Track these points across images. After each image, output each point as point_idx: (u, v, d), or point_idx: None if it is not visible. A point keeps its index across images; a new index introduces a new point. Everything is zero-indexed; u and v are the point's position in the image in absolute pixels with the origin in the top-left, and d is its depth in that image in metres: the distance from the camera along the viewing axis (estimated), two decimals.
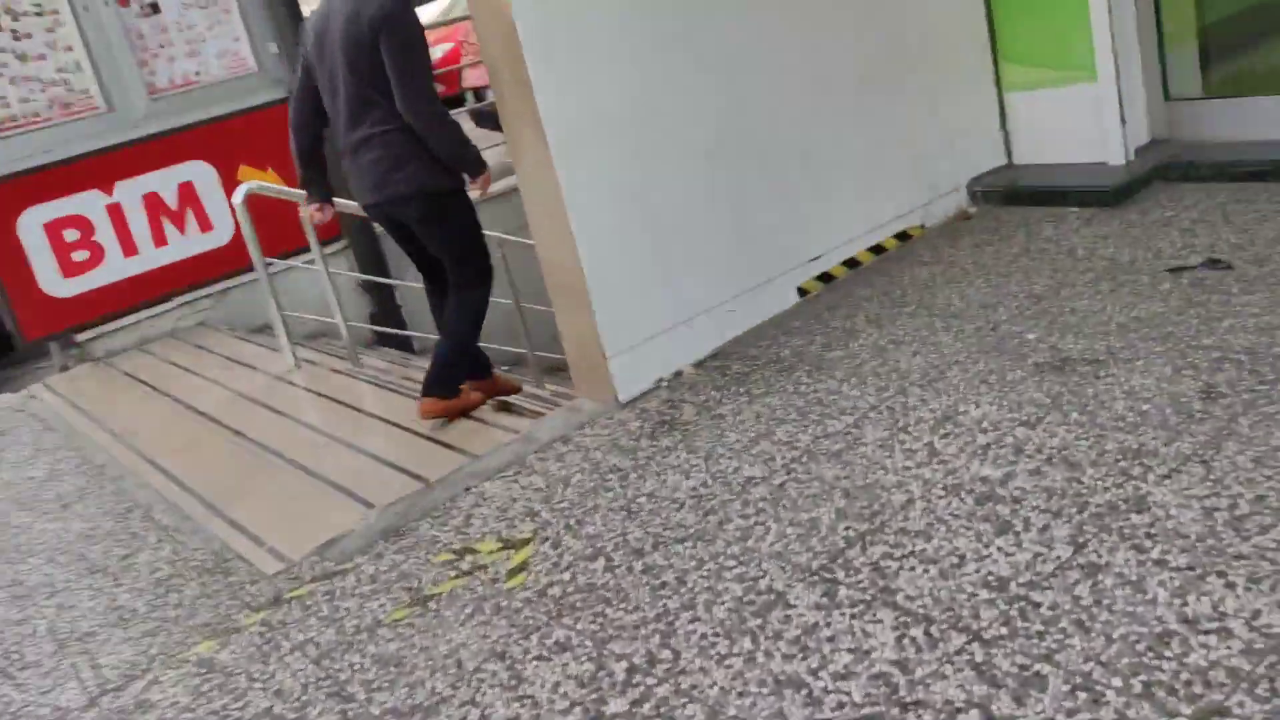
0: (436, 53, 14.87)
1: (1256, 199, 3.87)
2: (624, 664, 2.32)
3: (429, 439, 3.93)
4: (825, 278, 4.22)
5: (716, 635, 2.32)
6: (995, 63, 4.66)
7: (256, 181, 5.39)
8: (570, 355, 3.83)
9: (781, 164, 4.05)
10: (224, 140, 6.24)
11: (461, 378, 4.00)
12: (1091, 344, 3.15)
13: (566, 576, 2.72)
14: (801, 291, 4.15)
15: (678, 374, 3.79)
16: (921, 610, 2.23)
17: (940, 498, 2.60)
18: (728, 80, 3.88)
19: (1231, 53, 4.56)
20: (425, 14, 17.47)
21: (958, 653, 2.08)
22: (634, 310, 3.70)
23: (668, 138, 3.74)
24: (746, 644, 2.27)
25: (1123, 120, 4.30)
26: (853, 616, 2.26)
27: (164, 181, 6.08)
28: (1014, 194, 4.53)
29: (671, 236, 3.77)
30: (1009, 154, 4.78)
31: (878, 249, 4.38)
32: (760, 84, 3.97)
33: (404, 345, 6.98)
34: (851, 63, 4.22)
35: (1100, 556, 2.25)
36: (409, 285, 6.79)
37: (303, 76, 3.85)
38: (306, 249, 5.63)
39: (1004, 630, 2.10)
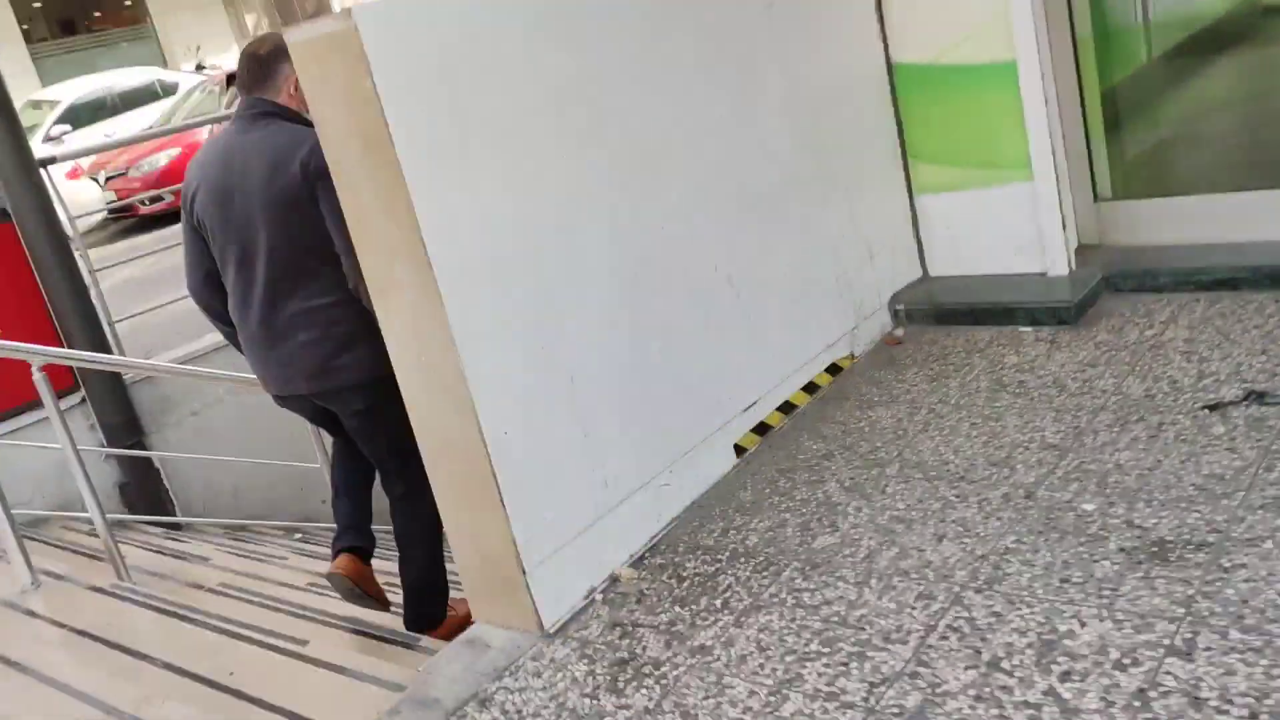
0: (161, 160, 13.19)
1: (1244, 311, 3.39)
2: None
3: (257, 702, 2.72)
4: (761, 429, 3.38)
5: None
6: (905, 162, 4.07)
7: None
8: (466, 567, 2.76)
9: (708, 289, 3.21)
10: None
11: (445, 595, 3.17)
12: (1181, 517, 2.45)
13: None
14: (738, 449, 3.29)
15: (613, 580, 2.81)
16: None
17: None
18: (647, 186, 3.02)
19: (1141, 147, 4.18)
20: (144, 119, 15.69)
21: None
22: (555, 500, 2.71)
23: (582, 261, 2.81)
24: None
25: (1063, 225, 3.77)
26: None
27: None
28: (946, 312, 3.90)
29: (592, 393, 2.82)
30: (923, 265, 4.18)
31: (810, 387, 3.60)
32: (681, 190, 3.13)
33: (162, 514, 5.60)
34: (772, 161, 3.47)
35: None
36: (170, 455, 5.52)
37: (193, 242, 3.04)
38: (18, 410, 4.34)
39: None
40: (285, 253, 2.89)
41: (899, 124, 4.04)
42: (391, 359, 2.64)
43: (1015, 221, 3.87)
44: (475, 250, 2.53)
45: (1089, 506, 2.58)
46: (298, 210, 2.81)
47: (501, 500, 2.57)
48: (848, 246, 3.79)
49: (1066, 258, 3.79)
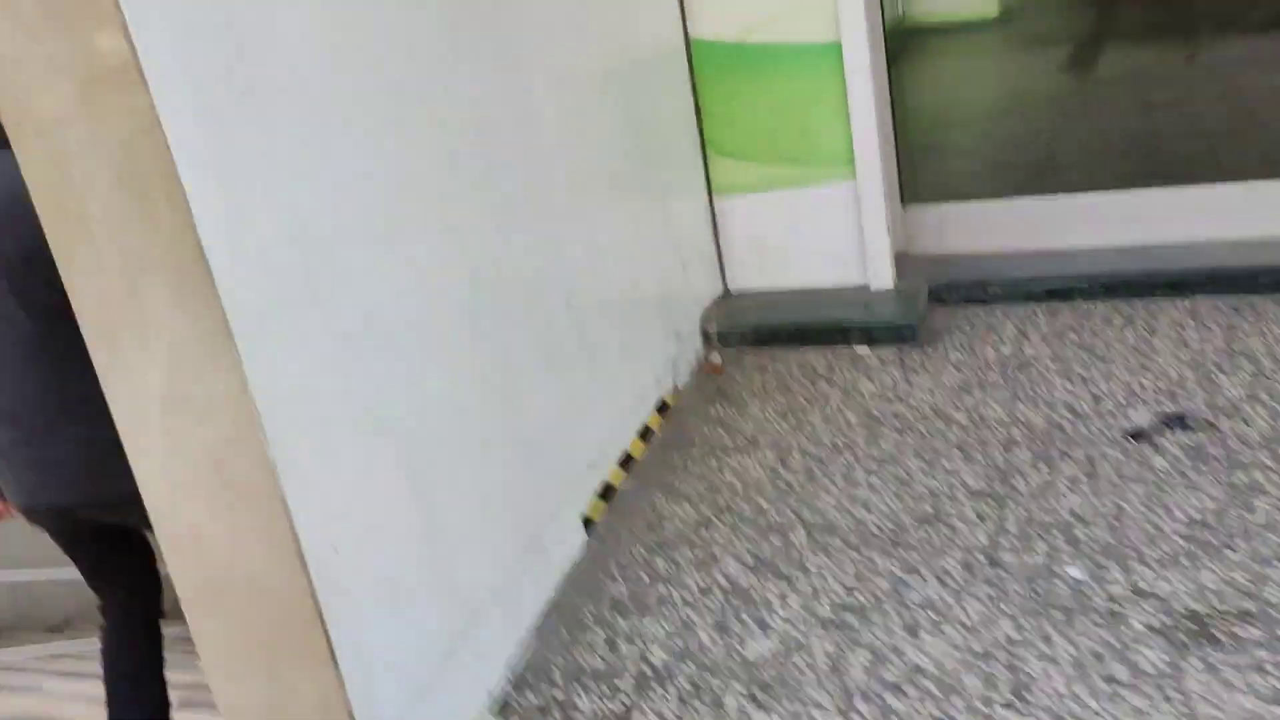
0: None
1: (1090, 324, 3.14)
2: None
3: None
4: (606, 492, 2.64)
5: None
6: (704, 157, 3.49)
7: None
8: None
9: (546, 312, 2.42)
10: None
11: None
12: (1193, 578, 2.04)
13: None
14: (587, 523, 2.52)
15: None
16: None
17: None
18: (477, 181, 2.17)
19: (945, 148, 3.89)
20: None
21: None
22: (398, 637, 1.81)
23: (411, 278, 1.93)
24: None
25: (888, 231, 3.37)
26: None
27: None
28: (766, 333, 3.35)
29: (431, 467, 1.95)
30: (724, 278, 3.62)
31: (644, 433, 2.90)
32: (514, 185, 2.32)
33: None
34: (592, 150, 2.74)
35: None
36: None
37: None
38: None
39: None
40: (30, 324, 2.05)
41: (698, 112, 3.45)
42: (125, 444, 1.62)
43: (833, 227, 3.42)
44: (282, 262, 1.59)
45: (1075, 573, 2.12)
46: (45, 267, 1.77)
47: (332, 654, 1.64)
48: (665, 256, 3.15)
49: (891, 269, 3.40)
